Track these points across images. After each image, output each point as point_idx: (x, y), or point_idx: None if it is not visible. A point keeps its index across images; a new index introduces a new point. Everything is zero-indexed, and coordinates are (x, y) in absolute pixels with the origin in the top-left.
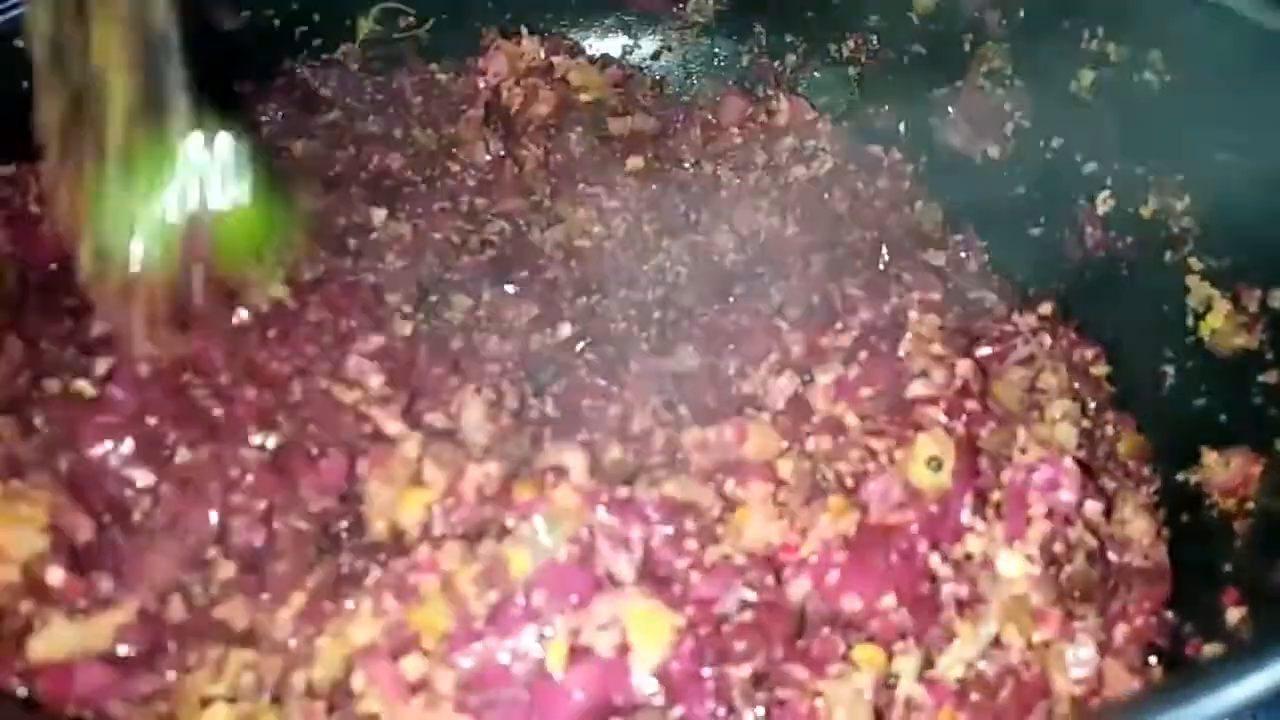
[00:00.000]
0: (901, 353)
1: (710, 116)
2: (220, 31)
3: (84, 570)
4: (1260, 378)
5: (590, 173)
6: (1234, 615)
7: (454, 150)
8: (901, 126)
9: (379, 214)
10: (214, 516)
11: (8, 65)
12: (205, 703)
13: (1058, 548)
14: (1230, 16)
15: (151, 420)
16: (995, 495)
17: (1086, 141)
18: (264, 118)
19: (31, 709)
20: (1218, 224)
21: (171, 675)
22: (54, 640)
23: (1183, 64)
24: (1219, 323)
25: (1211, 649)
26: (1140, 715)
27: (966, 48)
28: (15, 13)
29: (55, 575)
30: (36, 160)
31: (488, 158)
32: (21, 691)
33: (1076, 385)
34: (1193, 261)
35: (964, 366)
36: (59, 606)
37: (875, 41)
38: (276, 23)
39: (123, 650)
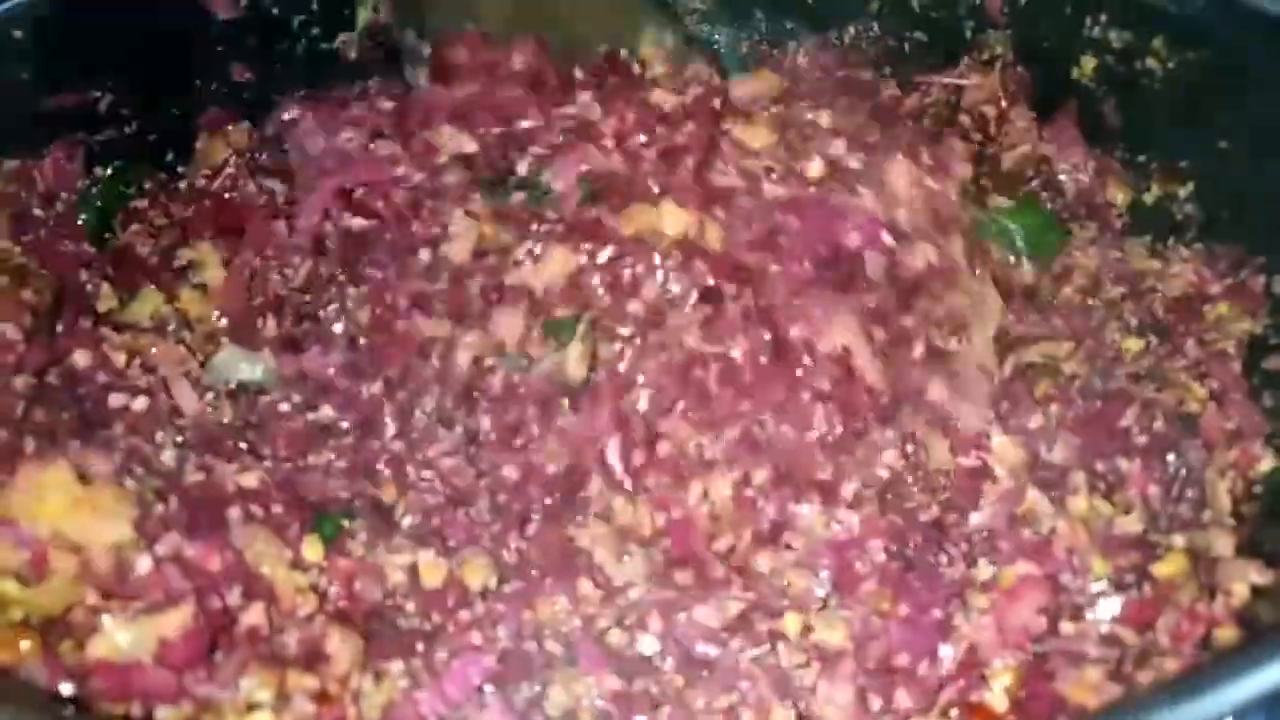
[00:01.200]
0: None
1: None
2: (219, 21)
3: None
4: (1263, 363)
5: None
6: None
7: None
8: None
9: None
10: None
11: (7, 56)
12: (251, 707)
13: None
14: (1232, 3)
15: None
16: None
17: (1089, 128)
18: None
19: (80, 708)
20: (1221, 210)
21: (229, 685)
22: (117, 640)
23: (1185, 50)
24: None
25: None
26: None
27: (967, 34)
28: (15, 2)
29: (143, 565)
30: (40, 155)
31: None
32: (67, 689)
33: None
34: (1197, 248)
35: None
36: (124, 602)
37: (875, 28)
38: (275, 11)
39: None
